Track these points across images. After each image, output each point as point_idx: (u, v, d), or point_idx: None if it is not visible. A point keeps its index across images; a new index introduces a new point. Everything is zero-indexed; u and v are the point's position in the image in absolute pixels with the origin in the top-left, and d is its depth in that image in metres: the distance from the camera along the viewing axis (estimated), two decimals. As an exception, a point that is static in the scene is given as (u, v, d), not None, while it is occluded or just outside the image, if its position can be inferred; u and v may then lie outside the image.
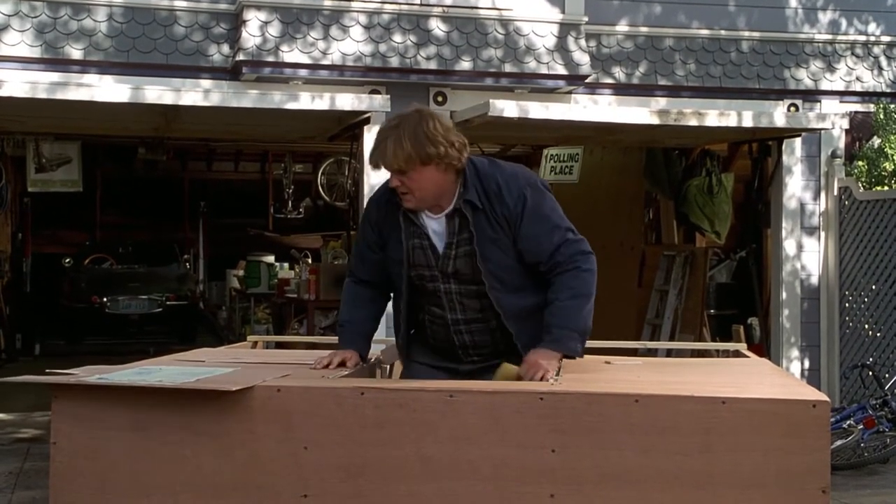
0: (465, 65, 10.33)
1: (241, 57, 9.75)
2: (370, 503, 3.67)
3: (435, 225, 4.34)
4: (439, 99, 10.45)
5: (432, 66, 10.27)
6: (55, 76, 9.56)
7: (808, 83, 11.39)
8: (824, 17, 11.52)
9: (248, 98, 9.44)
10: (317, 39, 10.01)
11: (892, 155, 10.85)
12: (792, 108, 11.29)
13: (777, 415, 3.57)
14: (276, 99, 9.43)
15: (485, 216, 4.26)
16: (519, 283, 4.34)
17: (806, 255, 11.32)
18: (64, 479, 3.79)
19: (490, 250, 4.25)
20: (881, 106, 11.10)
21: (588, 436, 3.61)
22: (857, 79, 11.52)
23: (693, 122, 10.02)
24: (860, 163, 11.14)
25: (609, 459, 3.60)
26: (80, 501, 3.77)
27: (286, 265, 17.02)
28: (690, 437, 3.57)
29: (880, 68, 11.60)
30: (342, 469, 3.68)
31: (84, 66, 9.72)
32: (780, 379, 4.44)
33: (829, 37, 11.49)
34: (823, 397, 3.61)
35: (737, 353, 5.44)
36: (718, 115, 10.17)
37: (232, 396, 3.70)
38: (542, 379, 3.97)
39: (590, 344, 5.70)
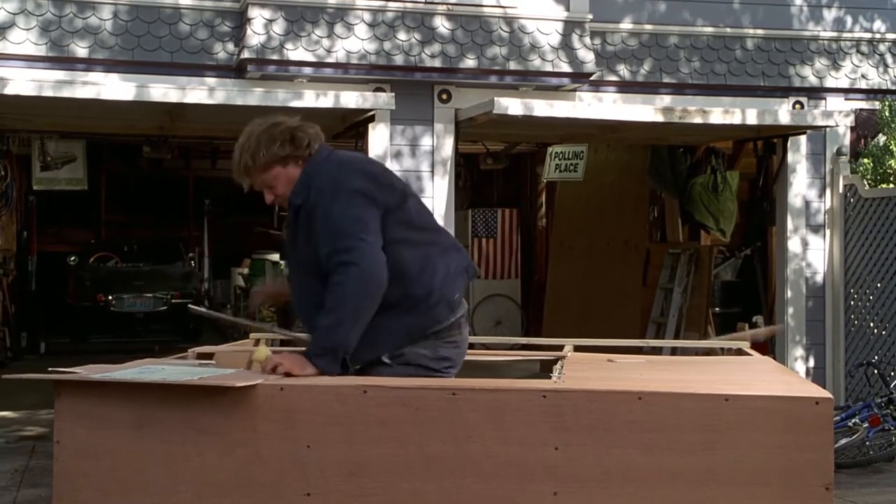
0: (470, 63, 10.33)
1: (245, 55, 9.75)
2: (373, 502, 3.67)
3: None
4: (444, 97, 10.45)
5: (437, 64, 10.27)
6: (60, 74, 9.57)
7: (813, 81, 11.37)
8: (829, 15, 11.51)
9: (253, 96, 9.44)
10: (321, 37, 10.01)
11: (898, 152, 10.85)
12: (797, 106, 11.27)
13: (780, 412, 3.57)
14: (281, 97, 9.43)
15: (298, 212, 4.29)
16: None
17: (811, 252, 11.31)
18: (67, 477, 3.80)
19: (297, 247, 4.30)
20: (886, 103, 11.07)
21: (591, 433, 3.61)
22: (863, 76, 11.51)
23: (698, 120, 10.02)
24: (865, 160, 11.13)
25: (612, 457, 3.60)
26: (83, 499, 3.78)
27: (291, 263, 16.96)
28: (693, 434, 3.57)
29: (886, 66, 11.58)
30: (345, 467, 3.68)
31: (89, 64, 9.73)
32: (784, 376, 4.43)
33: (835, 34, 11.48)
34: (827, 394, 3.61)
35: (739, 352, 5.43)
36: (723, 113, 10.16)
37: (235, 395, 3.70)
38: (272, 371, 3.95)
39: (594, 342, 5.72)
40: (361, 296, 4.02)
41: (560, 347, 5.14)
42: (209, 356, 4.83)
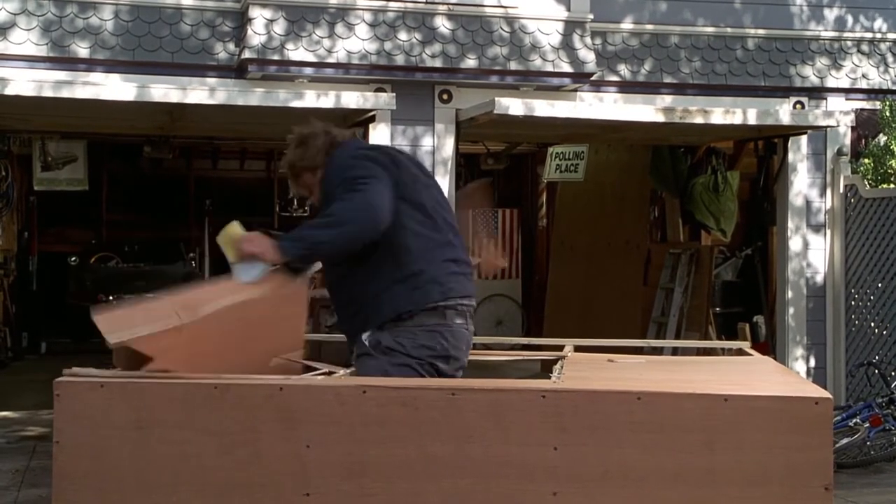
0: (471, 63, 10.33)
1: (246, 55, 9.76)
2: (373, 502, 3.67)
3: None
4: (444, 97, 10.45)
5: (438, 64, 10.27)
6: (61, 74, 9.57)
7: (813, 80, 11.37)
8: (830, 15, 11.50)
9: (254, 96, 9.44)
10: (322, 37, 10.01)
11: (898, 152, 10.84)
12: (798, 106, 11.27)
13: (780, 412, 3.57)
14: (282, 97, 9.43)
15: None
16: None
17: (812, 252, 11.30)
18: (67, 477, 3.80)
19: None
20: (887, 103, 11.06)
21: (590, 433, 3.61)
22: (863, 76, 11.50)
23: (699, 120, 10.01)
24: (866, 160, 11.12)
25: (611, 457, 3.60)
26: (82, 500, 3.78)
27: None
28: (693, 434, 3.57)
29: (886, 65, 11.58)
30: (344, 467, 3.69)
31: (90, 64, 9.74)
32: (783, 377, 4.43)
33: (836, 34, 11.48)
34: (826, 394, 3.61)
35: (740, 352, 5.43)
36: (724, 113, 10.15)
37: (234, 395, 3.71)
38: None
39: (594, 342, 5.72)
40: (357, 219, 4.19)
41: (560, 347, 5.14)
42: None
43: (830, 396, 3.60)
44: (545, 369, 4.51)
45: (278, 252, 4.19)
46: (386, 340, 4.33)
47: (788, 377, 4.49)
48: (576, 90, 10.80)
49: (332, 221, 4.20)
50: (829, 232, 11.33)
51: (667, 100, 10.99)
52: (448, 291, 4.40)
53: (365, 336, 4.37)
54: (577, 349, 5.26)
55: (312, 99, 9.43)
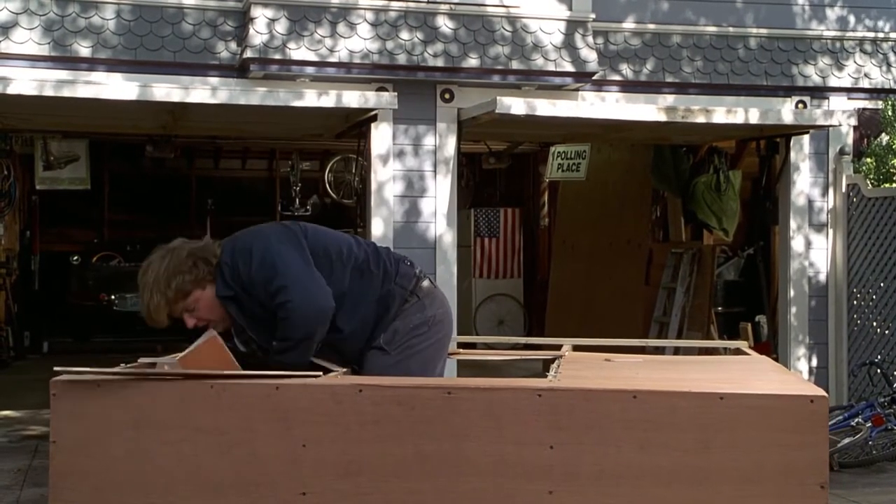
0: (473, 62, 10.33)
1: (248, 54, 9.76)
2: (369, 501, 3.67)
3: None
4: (446, 96, 10.44)
5: (439, 63, 10.26)
6: (63, 74, 9.57)
7: (816, 80, 11.36)
8: (832, 14, 11.49)
9: (256, 95, 9.44)
10: (324, 37, 10.01)
11: (901, 152, 10.83)
12: (800, 105, 11.25)
13: (775, 410, 3.57)
14: (284, 96, 9.43)
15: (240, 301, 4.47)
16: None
17: (814, 252, 11.29)
18: (63, 476, 3.80)
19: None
20: (889, 103, 11.05)
21: (586, 432, 3.61)
22: (866, 75, 11.49)
23: (701, 120, 10.01)
24: (868, 160, 11.11)
25: (607, 455, 3.60)
26: (79, 499, 3.78)
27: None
28: (688, 433, 3.57)
29: (889, 65, 11.56)
30: (340, 466, 3.69)
31: (92, 63, 9.73)
32: (780, 375, 4.43)
33: (838, 33, 11.46)
34: (821, 393, 3.61)
35: (738, 351, 5.43)
36: (726, 113, 10.15)
37: (231, 394, 3.71)
38: None
39: (596, 342, 5.72)
40: (302, 327, 4.26)
41: (561, 347, 5.15)
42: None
43: (826, 394, 3.60)
44: (546, 369, 4.51)
45: None
46: (402, 329, 4.51)
47: (785, 376, 4.49)
48: (578, 90, 10.80)
49: (292, 345, 4.28)
50: (831, 231, 11.31)
51: (669, 99, 10.98)
52: (413, 267, 4.71)
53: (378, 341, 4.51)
54: (578, 349, 5.26)
55: (314, 98, 9.43)
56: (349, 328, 4.45)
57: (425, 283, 4.65)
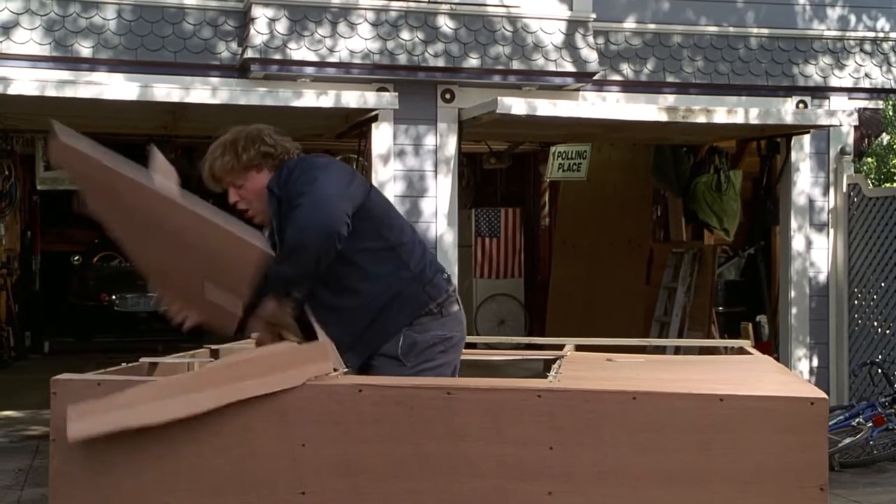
0: (473, 62, 10.33)
1: (249, 54, 9.76)
2: (368, 501, 3.67)
3: None
4: (447, 96, 10.45)
5: (440, 63, 10.27)
6: (64, 74, 9.59)
7: (816, 80, 11.36)
8: (833, 14, 11.50)
9: (256, 95, 9.47)
10: (324, 37, 10.02)
11: (901, 151, 10.83)
12: (801, 105, 11.26)
13: (775, 412, 3.56)
14: (284, 96, 9.45)
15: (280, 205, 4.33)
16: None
17: (815, 252, 11.30)
18: (63, 476, 3.80)
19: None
20: (890, 102, 11.05)
21: (586, 433, 3.60)
22: (866, 75, 11.49)
23: (701, 119, 10.02)
24: (869, 159, 11.11)
25: (607, 457, 3.59)
26: (78, 498, 3.78)
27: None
28: (688, 434, 3.56)
29: (889, 65, 11.56)
30: (340, 466, 3.68)
31: (93, 63, 9.75)
32: (780, 376, 4.42)
33: (839, 33, 11.47)
34: (822, 394, 3.60)
35: (741, 350, 5.43)
36: (727, 112, 10.17)
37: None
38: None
39: (596, 342, 5.72)
40: (311, 242, 4.05)
41: (562, 347, 5.14)
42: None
43: (826, 396, 3.59)
44: (547, 369, 4.51)
45: (271, 306, 4.11)
46: (421, 342, 4.35)
47: (786, 377, 4.48)
48: (578, 90, 10.80)
49: (287, 252, 4.11)
50: (832, 231, 11.32)
51: (669, 99, 10.99)
52: (448, 283, 4.51)
53: (391, 343, 4.35)
54: (579, 348, 5.26)
55: (314, 98, 9.46)
56: (350, 301, 4.30)
57: (455, 306, 4.48)
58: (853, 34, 11.50)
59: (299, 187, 4.15)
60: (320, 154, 4.60)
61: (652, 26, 11.07)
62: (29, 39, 9.58)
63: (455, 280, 10.29)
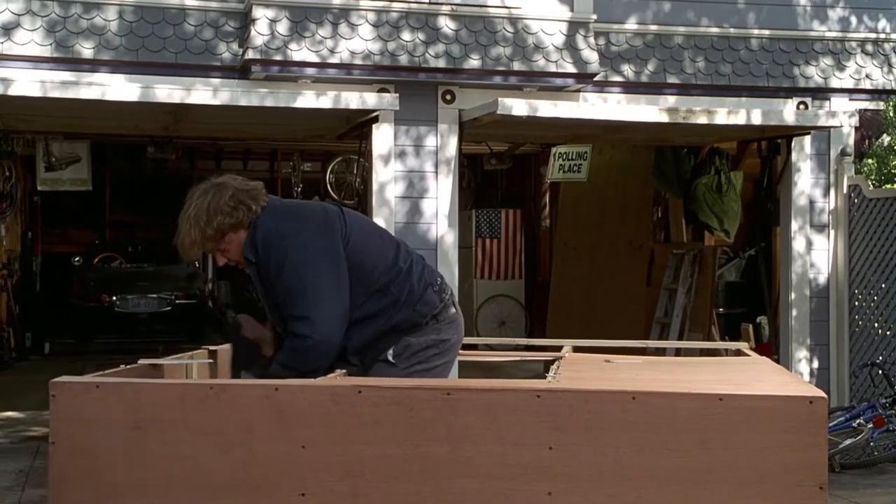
0: (474, 63, 10.33)
1: (250, 55, 9.76)
2: (368, 502, 3.67)
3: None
4: (448, 97, 10.44)
5: (441, 64, 10.26)
6: (65, 75, 9.57)
7: (817, 81, 11.35)
8: (834, 15, 11.48)
9: (257, 96, 9.46)
10: (325, 38, 10.01)
11: (902, 153, 10.82)
12: (801, 106, 11.25)
13: (774, 411, 3.56)
14: (285, 97, 9.44)
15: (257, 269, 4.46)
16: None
17: (815, 253, 11.28)
18: (63, 477, 3.80)
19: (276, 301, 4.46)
20: (891, 103, 11.05)
21: (585, 433, 3.61)
22: (867, 76, 11.48)
23: (702, 121, 10.01)
24: (870, 160, 11.10)
25: (606, 457, 3.60)
26: (78, 500, 3.78)
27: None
28: (687, 434, 3.56)
29: (890, 66, 11.55)
30: (340, 468, 3.69)
31: (94, 64, 9.73)
32: (779, 377, 4.43)
33: (839, 34, 11.45)
34: (820, 394, 3.60)
35: (738, 352, 5.43)
36: (728, 113, 10.16)
37: (229, 394, 3.71)
38: None
39: (597, 343, 5.72)
40: (313, 362, 4.26)
41: (562, 348, 5.15)
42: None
43: (825, 396, 3.60)
44: (547, 370, 4.52)
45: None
46: (415, 344, 4.48)
47: (784, 377, 4.49)
48: (579, 90, 10.79)
49: (291, 374, 4.22)
50: (832, 232, 11.31)
51: (670, 100, 10.97)
52: (441, 293, 4.60)
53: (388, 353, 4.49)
54: (579, 350, 5.26)
55: (315, 99, 9.45)
56: (352, 345, 4.43)
57: (451, 310, 4.59)
58: (854, 35, 11.49)
59: (285, 283, 4.31)
60: (286, 207, 4.63)
61: (653, 27, 11.06)
62: (30, 40, 9.57)
63: (455, 281, 10.30)
